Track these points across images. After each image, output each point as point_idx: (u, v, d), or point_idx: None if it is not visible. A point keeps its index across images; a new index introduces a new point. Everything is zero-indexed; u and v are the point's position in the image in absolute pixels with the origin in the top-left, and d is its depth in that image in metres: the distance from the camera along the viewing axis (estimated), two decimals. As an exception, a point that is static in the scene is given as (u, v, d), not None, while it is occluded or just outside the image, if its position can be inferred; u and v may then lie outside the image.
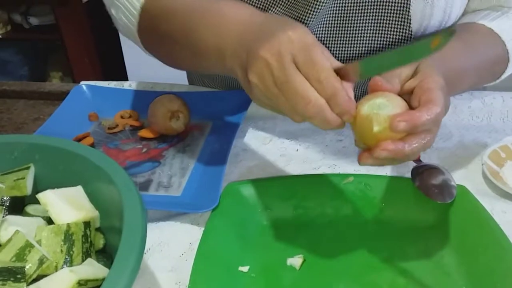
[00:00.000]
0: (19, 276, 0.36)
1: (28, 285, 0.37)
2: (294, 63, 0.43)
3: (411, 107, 0.45)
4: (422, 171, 0.57)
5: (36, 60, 2.49)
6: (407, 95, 0.47)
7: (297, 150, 0.68)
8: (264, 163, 0.65)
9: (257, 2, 0.62)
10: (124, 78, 2.12)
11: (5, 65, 2.45)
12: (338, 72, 0.44)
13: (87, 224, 0.42)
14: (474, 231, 0.50)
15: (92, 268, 0.38)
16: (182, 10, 0.57)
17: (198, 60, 0.58)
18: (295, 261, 0.50)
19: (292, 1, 0.62)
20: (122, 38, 2.12)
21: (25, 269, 0.37)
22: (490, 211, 0.54)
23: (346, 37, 0.65)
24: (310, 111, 0.43)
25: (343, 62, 0.67)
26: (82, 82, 0.83)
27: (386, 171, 0.61)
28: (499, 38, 0.63)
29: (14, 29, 2.35)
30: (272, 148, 0.68)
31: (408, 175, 0.57)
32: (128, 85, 0.85)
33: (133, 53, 2.15)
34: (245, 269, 0.49)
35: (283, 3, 0.62)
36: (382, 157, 0.43)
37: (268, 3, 0.62)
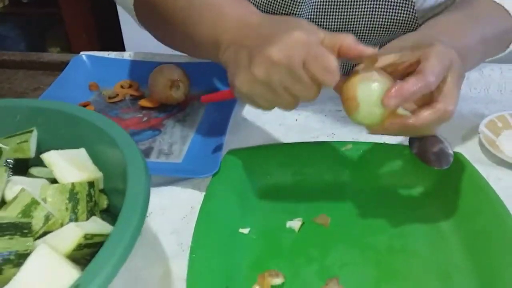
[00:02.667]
0: (26, 231, 0.37)
1: (34, 240, 0.37)
2: (302, 63, 0.43)
3: None
4: (420, 139, 0.58)
5: (34, 34, 2.47)
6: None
7: (296, 119, 0.69)
8: (264, 132, 0.66)
9: None
10: (122, 50, 2.11)
11: (3, 40, 2.43)
12: None
13: (91, 184, 0.43)
14: (470, 196, 0.51)
15: (97, 225, 0.39)
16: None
17: (192, 47, 0.58)
18: (294, 223, 0.51)
19: None
20: (120, 11, 2.11)
21: (32, 225, 0.38)
22: (486, 177, 0.55)
23: (342, 11, 0.65)
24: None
25: (347, 22, 0.66)
26: (82, 52, 0.83)
27: (384, 139, 0.61)
28: (502, 8, 0.63)
29: (11, 4, 2.32)
30: (272, 117, 0.69)
31: (406, 142, 0.58)
32: (128, 55, 0.85)
33: (130, 26, 2.13)
34: (245, 230, 0.51)
35: None
36: (393, 129, 0.44)
37: None
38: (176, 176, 0.58)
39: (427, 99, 0.46)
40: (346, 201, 0.54)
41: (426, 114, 0.44)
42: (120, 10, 2.09)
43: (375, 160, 0.57)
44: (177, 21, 0.56)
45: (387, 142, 0.60)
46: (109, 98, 0.75)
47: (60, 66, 0.84)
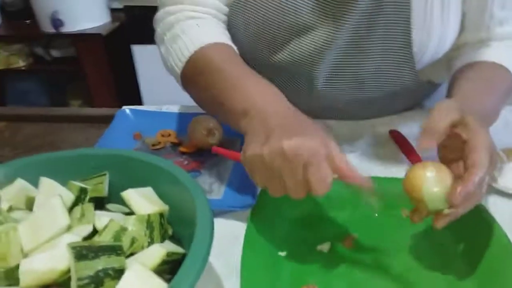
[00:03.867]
0: (119, 251, 0.46)
1: (126, 258, 0.47)
2: (303, 166, 0.51)
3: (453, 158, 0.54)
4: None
5: (56, 89, 2.63)
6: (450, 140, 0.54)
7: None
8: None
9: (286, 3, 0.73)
10: (140, 104, 2.26)
11: (26, 95, 2.59)
12: None
13: (161, 215, 0.53)
14: (471, 220, 0.60)
15: (172, 246, 0.49)
16: (223, 74, 0.65)
17: (220, 112, 0.67)
18: (324, 246, 0.61)
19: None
20: (138, 67, 2.27)
21: (122, 247, 0.47)
22: (484, 203, 0.65)
23: (359, 58, 0.77)
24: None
25: (357, 77, 0.77)
26: (125, 107, 0.95)
27: (400, 174, 0.71)
28: (504, 67, 0.72)
29: (35, 61, 2.49)
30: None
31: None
32: (166, 108, 0.97)
33: (147, 81, 2.30)
34: (283, 254, 0.60)
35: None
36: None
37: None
38: (219, 209, 0.68)
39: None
40: (366, 226, 0.64)
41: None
42: (137, 66, 2.25)
43: (391, 193, 0.66)
44: (213, 90, 0.66)
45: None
46: (152, 145, 0.86)
47: (103, 119, 0.95)
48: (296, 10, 0.74)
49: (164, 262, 0.46)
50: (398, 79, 0.78)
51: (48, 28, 2.23)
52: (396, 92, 0.82)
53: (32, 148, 0.88)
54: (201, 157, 0.82)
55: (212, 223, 0.48)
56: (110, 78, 2.33)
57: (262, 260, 0.57)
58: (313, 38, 0.75)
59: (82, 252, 0.44)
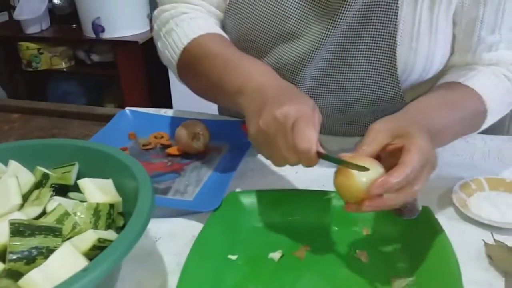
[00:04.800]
0: (57, 233, 0.49)
1: (63, 241, 0.50)
2: (293, 125, 0.56)
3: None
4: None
5: (94, 92, 2.75)
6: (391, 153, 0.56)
7: (296, 172, 0.79)
8: (266, 180, 0.77)
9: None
10: (170, 107, 2.33)
11: (67, 96, 2.73)
12: None
13: (111, 205, 0.56)
14: (427, 241, 0.59)
15: (110, 234, 0.51)
16: (218, 58, 0.71)
17: (222, 95, 0.71)
18: (275, 255, 0.61)
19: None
20: (171, 74, 2.34)
21: (62, 229, 0.50)
22: (450, 229, 0.63)
23: (344, 69, 0.77)
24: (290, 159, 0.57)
25: (341, 88, 0.78)
26: (127, 108, 0.99)
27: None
28: (477, 93, 0.71)
29: (77, 64, 2.63)
30: (275, 169, 0.80)
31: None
32: (164, 111, 1.00)
33: (178, 87, 2.36)
34: (233, 257, 0.61)
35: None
36: (368, 210, 0.53)
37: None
38: (185, 209, 0.70)
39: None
40: (323, 240, 0.64)
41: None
42: (170, 73, 2.33)
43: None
44: (212, 75, 0.71)
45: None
46: (143, 145, 0.89)
47: (109, 118, 1.00)
48: (284, 18, 0.76)
49: (96, 247, 0.48)
50: (381, 94, 0.78)
51: (91, 33, 2.36)
52: (381, 110, 0.81)
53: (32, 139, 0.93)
54: (186, 160, 0.84)
55: (148, 215, 0.50)
56: (144, 83, 2.42)
57: (208, 261, 0.58)
58: (298, 46, 0.77)
59: (19, 229, 0.47)
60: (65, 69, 2.60)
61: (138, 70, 2.38)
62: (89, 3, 2.29)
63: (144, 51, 2.34)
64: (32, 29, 2.52)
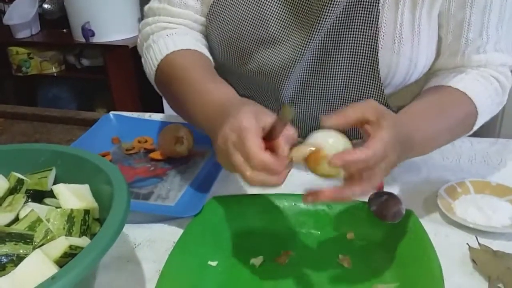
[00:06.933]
0: (28, 240, 0.48)
1: (34, 248, 0.48)
2: (233, 145, 0.53)
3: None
4: (379, 198, 0.66)
5: (84, 96, 2.73)
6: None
7: (281, 176, 0.78)
8: (248, 186, 0.76)
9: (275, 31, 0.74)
10: (161, 112, 2.31)
11: (57, 101, 2.71)
12: (272, 129, 0.54)
13: (87, 211, 0.54)
14: (411, 244, 0.58)
15: (83, 241, 0.50)
16: (184, 82, 0.70)
17: (191, 120, 0.70)
18: (256, 261, 0.60)
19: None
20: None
21: (34, 236, 0.49)
22: (435, 233, 0.62)
23: (327, 74, 0.76)
24: (249, 179, 0.53)
25: (324, 93, 0.77)
26: (111, 112, 0.98)
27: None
28: (466, 96, 0.70)
29: (67, 69, 2.61)
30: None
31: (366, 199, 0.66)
32: (148, 115, 0.99)
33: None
34: (213, 263, 0.59)
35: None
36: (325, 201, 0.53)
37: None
38: (165, 215, 0.68)
39: None
40: (305, 245, 0.63)
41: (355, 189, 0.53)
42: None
43: (336, 213, 0.65)
44: (179, 96, 0.70)
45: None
46: (126, 150, 0.88)
47: (93, 123, 0.98)
48: (265, 23, 0.75)
49: (68, 255, 0.47)
50: (365, 97, 0.77)
51: (81, 38, 2.34)
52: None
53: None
54: (169, 165, 0.83)
55: (122, 221, 0.48)
56: (134, 88, 2.40)
57: (187, 267, 0.57)
58: (281, 52, 0.76)
59: (-12, 236, 0.46)
60: (55, 74, 2.58)
61: (128, 75, 2.36)
62: (79, 7, 2.28)
63: (134, 55, 2.32)
64: (22, 34, 2.51)
